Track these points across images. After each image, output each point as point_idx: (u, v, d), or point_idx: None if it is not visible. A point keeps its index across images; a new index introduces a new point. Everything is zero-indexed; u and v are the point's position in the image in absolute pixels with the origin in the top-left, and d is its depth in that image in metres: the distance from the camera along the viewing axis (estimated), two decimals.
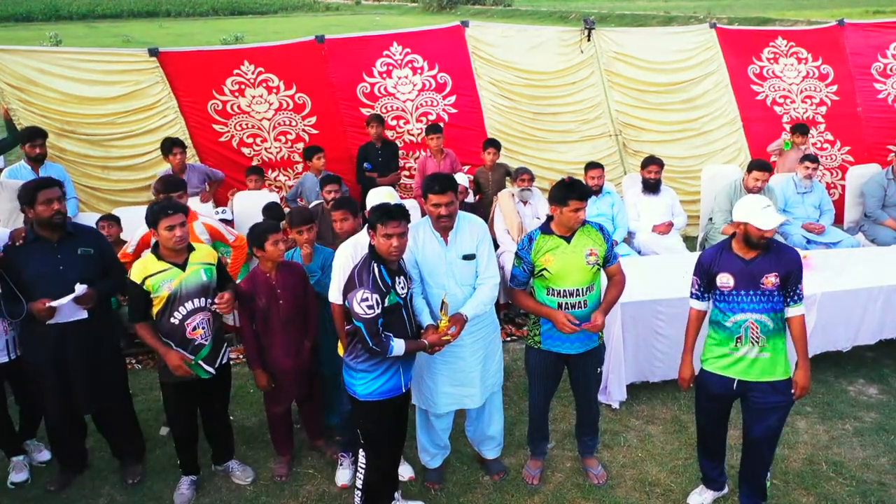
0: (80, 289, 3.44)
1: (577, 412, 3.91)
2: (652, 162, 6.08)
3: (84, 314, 3.55)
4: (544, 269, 3.44)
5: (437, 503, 3.76)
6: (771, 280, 3.17)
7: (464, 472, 3.97)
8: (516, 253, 3.54)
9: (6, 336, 3.68)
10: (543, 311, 3.48)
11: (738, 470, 3.55)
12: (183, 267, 3.46)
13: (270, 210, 5.59)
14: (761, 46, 7.46)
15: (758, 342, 3.23)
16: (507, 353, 4.77)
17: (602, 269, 3.57)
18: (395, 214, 3.10)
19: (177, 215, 3.38)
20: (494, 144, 6.34)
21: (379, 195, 3.75)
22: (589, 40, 7.00)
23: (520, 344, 5.31)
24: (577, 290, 3.45)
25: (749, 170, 5.87)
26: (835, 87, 7.51)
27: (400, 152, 6.77)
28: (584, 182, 3.53)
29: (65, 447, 3.87)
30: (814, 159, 6.19)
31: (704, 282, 3.35)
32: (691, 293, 3.44)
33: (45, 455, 4.06)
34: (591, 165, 5.96)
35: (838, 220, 6.61)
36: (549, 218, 3.52)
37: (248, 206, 5.82)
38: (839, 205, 6.82)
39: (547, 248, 3.44)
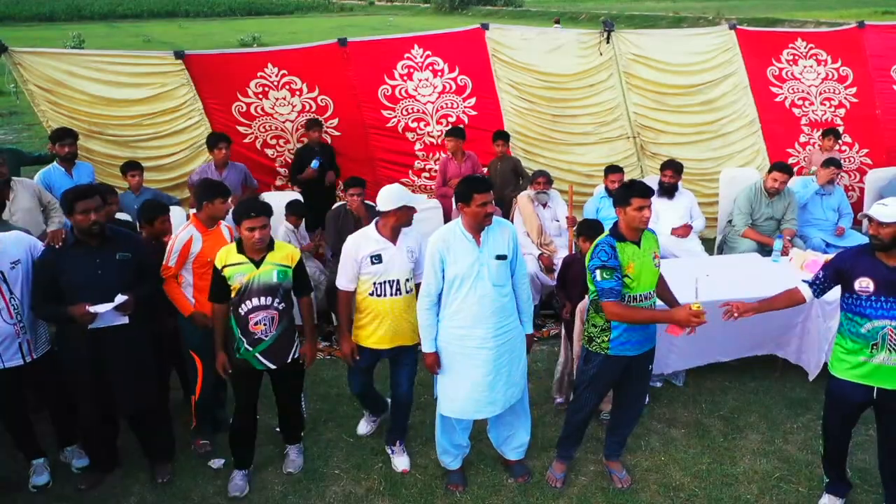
0: (119, 298, 3.50)
1: (619, 412, 3.87)
2: (668, 166, 6.09)
3: (124, 319, 3.61)
4: (626, 275, 3.41)
5: None
6: None
7: (488, 475, 4.00)
8: (603, 266, 3.36)
9: (19, 339, 3.64)
10: (659, 316, 3.46)
11: (882, 476, 3.58)
12: (258, 264, 3.57)
13: (292, 206, 5.69)
14: (781, 48, 7.44)
15: (894, 349, 3.22)
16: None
17: None
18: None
19: (259, 217, 3.48)
20: (503, 136, 6.47)
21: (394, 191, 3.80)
22: (608, 42, 7.01)
23: (539, 345, 5.35)
24: (650, 293, 3.50)
25: (769, 171, 5.91)
26: (854, 90, 7.48)
27: (422, 153, 6.86)
28: (644, 182, 3.55)
29: (98, 447, 3.94)
30: (838, 164, 6.19)
31: (830, 280, 3.38)
32: (807, 280, 3.48)
33: (84, 461, 4.07)
34: (612, 169, 5.96)
35: (857, 223, 6.60)
36: (615, 226, 3.50)
37: (273, 206, 5.86)
38: (858, 208, 6.81)
39: (627, 255, 3.41)
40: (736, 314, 3.45)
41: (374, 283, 3.74)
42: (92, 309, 3.44)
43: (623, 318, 3.42)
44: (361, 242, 3.73)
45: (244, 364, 3.69)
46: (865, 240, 5.99)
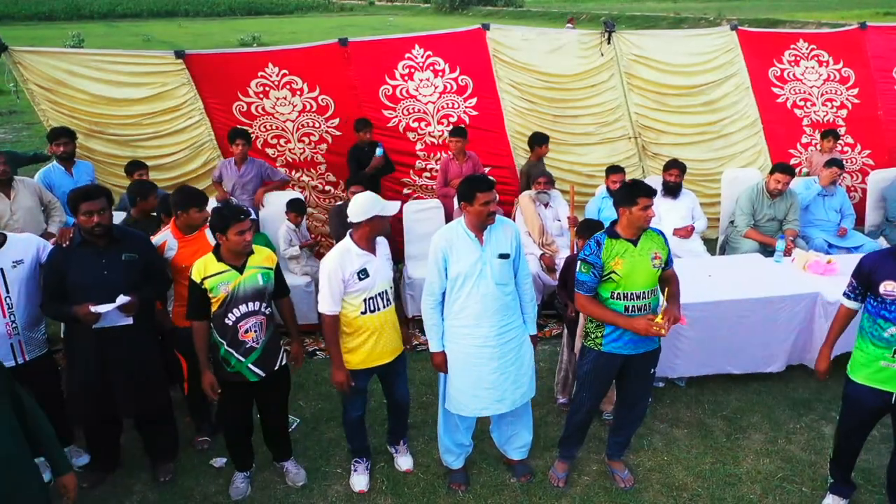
0: (121, 299, 3.49)
1: (621, 413, 3.88)
2: (674, 166, 6.07)
3: (128, 320, 3.60)
4: (613, 272, 3.43)
5: None
6: None
7: (490, 474, 4.00)
8: (583, 259, 3.49)
9: (10, 339, 3.59)
10: (620, 321, 3.45)
11: (888, 483, 3.53)
12: (241, 270, 3.47)
13: (293, 204, 5.69)
14: (782, 49, 7.45)
15: None
16: None
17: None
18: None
19: (247, 220, 3.42)
20: (546, 139, 6.49)
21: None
22: (609, 43, 7.01)
23: (541, 345, 5.34)
24: (644, 292, 3.46)
25: (771, 172, 5.90)
26: (856, 91, 7.48)
27: (423, 153, 6.88)
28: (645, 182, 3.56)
29: (101, 446, 3.93)
30: (840, 164, 6.19)
31: (861, 284, 3.34)
32: (845, 292, 3.45)
33: (84, 459, 4.08)
34: (613, 169, 5.95)
35: (859, 224, 6.60)
36: (613, 222, 3.53)
37: (274, 205, 5.90)
38: (860, 208, 6.81)
39: (616, 251, 3.43)
40: (825, 373, 3.53)
41: (365, 300, 3.54)
42: (94, 309, 3.43)
43: (587, 312, 3.58)
44: (345, 259, 3.50)
45: (238, 377, 3.57)
46: (867, 240, 6.07)
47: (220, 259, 3.47)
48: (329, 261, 3.52)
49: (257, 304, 3.52)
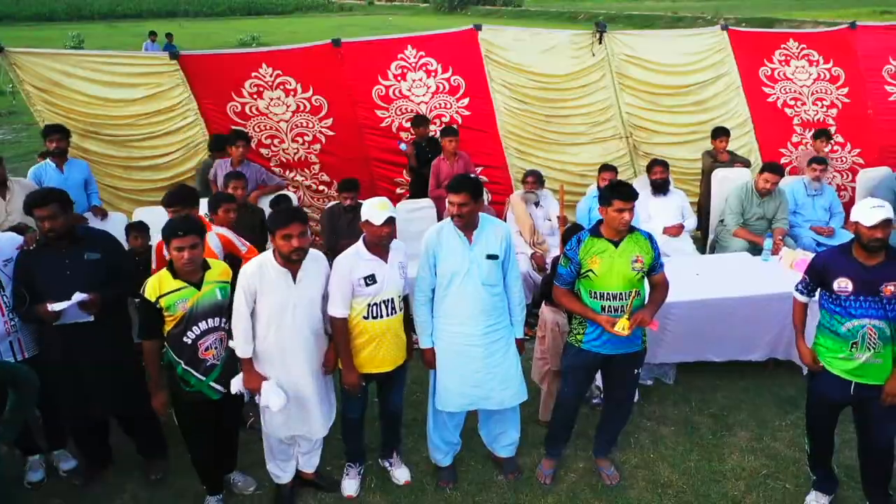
0: (77, 296, 3.47)
1: (607, 411, 3.96)
2: (655, 164, 6.16)
3: (88, 317, 3.59)
4: (590, 270, 3.48)
5: (452, 502, 3.84)
6: (891, 289, 3.19)
7: (478, 471, 4.04)
8: (564, 253, 3.61)
9: (9, 337, 3.63)
10: (589, 314, 3.52)
11: (862, 481, 3.63)
12: (198, 286, 3.36)
13: (278, 200, 5.73)
14: (773, 48, 7.50)
15: (874, 348, 3.26)
16: None
17: (647, 277, 3.61)
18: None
19: (188, 237, 3.25)
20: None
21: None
22: (600, 43, 7.06)
23: (530, 344, 5.37)
24: (620, 293, 3.48)
25: (761, 171, 5.94)
26: (846, 90, 7.53)
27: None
28: (630, 185, 3.59)
29: (87, 445, 3.96)
30: (821, 161, 6.23)
31: (814, 281, 3.47)
32: (797, 287, 3.59)
33: (71, 464, 4.08)
34: (605, 168, 6.01)
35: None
36: (599, 221, 3.58)
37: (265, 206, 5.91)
38: (849, 207, 6.82)
39: (594, 250, 3.48)
40: (814, 362, 3.52)
41: (369, 305, 3.51)
42: (51, 307, 3.44)
43: (561, 303, 3.74)
44: (354, 263, 3.47)
45: (198, 397, 3.46)
46: None
47: (175, 276, 3.34)
48: (338, 264, 3.50)
49: (217, 319, 3.43)
